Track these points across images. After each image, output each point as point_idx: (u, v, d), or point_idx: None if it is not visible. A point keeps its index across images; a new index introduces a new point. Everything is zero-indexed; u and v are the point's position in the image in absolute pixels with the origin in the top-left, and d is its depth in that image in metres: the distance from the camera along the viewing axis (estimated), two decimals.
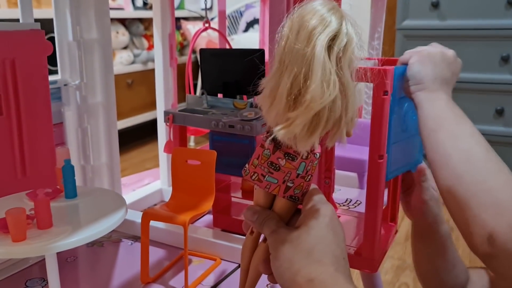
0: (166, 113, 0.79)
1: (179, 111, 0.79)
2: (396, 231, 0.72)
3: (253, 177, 0.43)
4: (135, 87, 2.79)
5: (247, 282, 0.47)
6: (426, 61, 0.55)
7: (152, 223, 0.69)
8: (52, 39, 0.65)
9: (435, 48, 0.56)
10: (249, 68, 0.77)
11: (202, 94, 0.80)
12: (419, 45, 0.60)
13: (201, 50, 0.81)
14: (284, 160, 0.41)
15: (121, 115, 2.76)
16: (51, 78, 0.70)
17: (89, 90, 0.73)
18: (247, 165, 0.44)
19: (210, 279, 0.65)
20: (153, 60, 2.98)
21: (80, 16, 0.70)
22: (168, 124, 0.78)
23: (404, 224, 1.93)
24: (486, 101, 2.10)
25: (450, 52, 0.56)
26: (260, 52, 0.74)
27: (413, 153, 0.64)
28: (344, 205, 0.89)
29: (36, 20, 0.63)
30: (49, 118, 0.62)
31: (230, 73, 0.79)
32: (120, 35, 2.81)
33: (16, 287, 0.62)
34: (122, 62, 2.76)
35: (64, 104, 0.72)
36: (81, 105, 0.72)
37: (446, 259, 0.61)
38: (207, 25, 0.87)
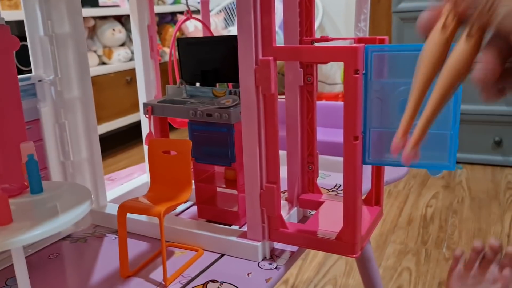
0: (145, 105, 0.78)
1: (158, 102, 0.78)
2: (382, 214, 0.71)
3: None
4: (135, 84, 2.79)
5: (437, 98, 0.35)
6: None
7: (135, 216, 0.69)
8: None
9: None
10: (227, 55, 0.76)
11: (181, 84, 0.79)
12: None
13: (178, 39, 0.80)
14: None
15: (122, 113, 2.76)
16: (25, 75, 0.69)
17: (64, 85, 0.72)
18: None
19: (192, 270, 0.64)
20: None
21: (51, 10, 0.69)
22: (147, 116, 0.77)
23: (407, 207, 1.92)
24: (485, 131, 2.20)
25: None
26: (236, 38, 0.73)
27: (430, 151, 0.54)
28: (333, 191, 0.88)
29: (16, 21, 0.63)
30: (20, 116, 0.61)
31: (208, 61, 0.78)
32: (117, 32, 2.80)
33: None
34: (120, 60, 2.75)
35: (40, 100, 0.71)
36: (57, 100, 0.72)
37: None
38: (188, 15, 0.86)
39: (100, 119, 2.64)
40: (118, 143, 2.80)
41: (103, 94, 2.64)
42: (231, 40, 0.72)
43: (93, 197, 0.78)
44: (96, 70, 2.64)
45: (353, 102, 0.54)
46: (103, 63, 2.82)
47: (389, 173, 0.91)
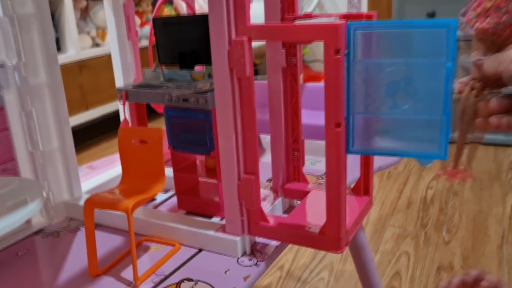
0: (119, 90, 0.73)
1: (133, 87, 0.73)
2: (371, 204, 0.66)
3: (490, 21, 0.41)
4: None
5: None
6: None
7: None
8: None
9: None
10: (206, 35, 0.70)
11: (157, 67, 0.74)
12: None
13: (154, 19, 0.74)
14: None
15: (116, 96, 2.71)
16: None
17: (29, 70, 0.67)
18: (470, 14, 0.40)
19: (166, 267, 0.60)
20: (147, 38, 2.90)
21: None
22: (121, 102, 0.72)
23: (406, 190, 1.87)
24: None
25: None
26: None
27: (419, 139, 0.51)
28: (323, 178, 0.83)
29: None
30: None
31: (186, 42, 0.73)
32: None
33: None
34: None
35: (3, 87, 0.66)
36: (22, 87, 0.67)
37: None
38: None
39: (94, 103, 2.59)
40: (112, 128, 2.75)
41: (96, 77, 2.59)
42: (207, 19, 0.67)
43: (67, 189, 0.74)
44: (89, 52, 2.58)
45: (334, 85, 0.49)
46: (97, 45, 2.75)
47: (384, 158, 0.87)
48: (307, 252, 1.52)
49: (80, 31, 2.62)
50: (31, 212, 0.41)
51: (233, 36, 0.54)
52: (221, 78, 0.55)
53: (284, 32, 0.52)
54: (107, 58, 2.85)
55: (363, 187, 0.65)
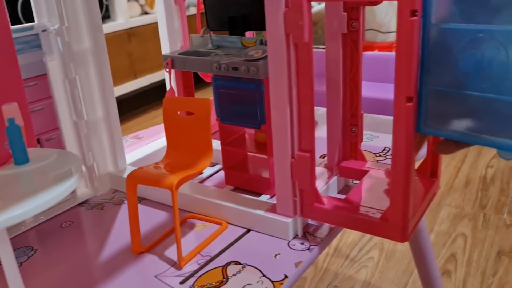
0: (165, 57, 0.68)
1: (179, 54, 0.68)
2: (438, 188, 0.60)
3: None
4: None
5: None
6: None
7: None
8: None
9: None
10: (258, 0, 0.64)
11: (205, 33, 0.69)
12: None
13: None
14: None
15: (158, 67, 2.69)
16: (26, 24, 0.61)
17: (72, 35, 0.63)
18: None
19: (212, 247, 0.56)
20: (195, 5, 2.85)
21: None
22: (167, 70, 0.68)
23: (464, 168, 1.76)
24: None
25: None
26: None
27: (505, 127, 0.42)
28: (380, 155, 0.77)
29: None
30: (16, 72, 0.53)
31: (236, 6, 0.67)
32: None
33: None
34: None
35: (45, 53, 0.63)
36: (65, 53, 0.63)
37: None
38: None
39: (142, 71, 2.59)
40: (160, 96, 2.76)
41: (146, 46, 2.58)
42: None
43: (111, 160, 0.71)
44: (138, 20, 2.56)
45: (407, 53, 0.42)
46: (146, 13, 2.73)
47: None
48: None
49: None
50: (71, 186, 0.37)
51: None
52: (276, 44, 0.49)
53: None
54: (156, 26, 2.84)
55: (431, 168, 0.58)
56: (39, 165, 0.42)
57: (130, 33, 2.48)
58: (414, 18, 0.41)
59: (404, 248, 1.36)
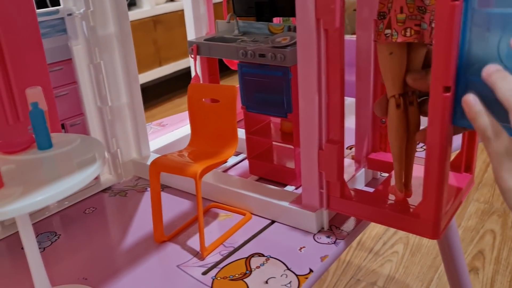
0: (190, 43, 0.67)
1: (204, 40, 0.67)
2: (473, 183, 0.57)
3: (407, 33, 0.43)
4: None
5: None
6: None
7: None
8: None
9: None
10: None
11: (231, 18, 0.67)
12: None
13: None
14: None
15: (183, 55, 2.68)
16: (52, 8, 0.60)
17: (98, 20, 0.63)
18: (388, 30, 0.43)
19: (236, 238, 0.55)
20: None
21: None
22: (192, 56, 0.67)
23: None
24: None
25: None
26: None
27: None
28: None
29: None
30: (41, 56, 0.53)
31: None
32: None
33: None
34: None
35: (71, 37, 0.62)
36: (90, 37, 0.63)
37: None
38: None
39: (168, 59, 2.59)
40: (185, 84, 2.75)
41: (171, 33, 2.57)
42: None
43: (135, 147, 0.70)
44: (164, 7, 2.56)
45: (446, 40, 0.40)
46: (172, 0, 2.73)
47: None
48: None
49: None
50: (94, 173, 0.37)
51: None
52: (306, 29, 0.47)
53: None
54: (181, 13, 2.82)
55: (465, 163, 0.56)
56: (62, 151, 0.41)
57: (156, 20, 2.47)
58: (456, 2, 0.39)
59: (430, 243, 1.33)
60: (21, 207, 0.32)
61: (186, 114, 0.97)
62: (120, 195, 0.67)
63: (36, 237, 0.57)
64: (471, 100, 0.38)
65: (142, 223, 0.59)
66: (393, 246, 1.34)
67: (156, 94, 2.73)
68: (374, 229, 1.42)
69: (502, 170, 0.36)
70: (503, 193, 0.37)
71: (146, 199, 0.65)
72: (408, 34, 0.43)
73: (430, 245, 1.32)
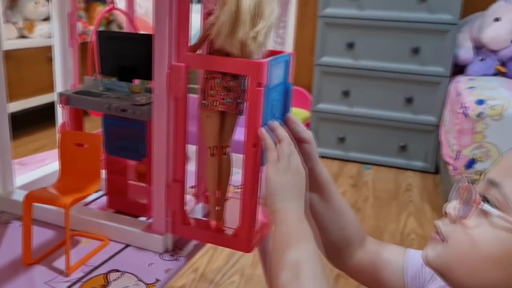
0: (61, 95, 0.78)
1: (73, 93, 0.79)
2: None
3: (215, 104, 0.62)
4: None
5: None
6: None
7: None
8: None
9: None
10: (145, 53, 0.78)
11: (98, 76, 0.80)
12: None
13: (99, 32, 0.81)
14: (232, 81, 0.61)
15: (41, 90, 2.64)
16: None
17: None
18: (204, 101, 0.62)
19: (95, 260, 0.67)
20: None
21: None
22: (61, 106, 0.78)
23: None
24: (397, 89, 2.26)
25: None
26: None
27: None
28: (240, 188, 0.93)
29: None
30: None
31: (127, 57, 0.80)
32: (40, 6, 2.67)
33: None
34: (42, 35, 2.63)
35: None
36: None
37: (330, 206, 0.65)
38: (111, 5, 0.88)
39: (17, 96, 2.52)
40: (35, 121, 2.69)
41: (21, 70, 2.52)
42: (151, 39, 0.75)
43: (0, 182, 0.78)
44: (14, 43, 2.51)
45: (254, 113, 0.60)
46: (23, 37, 2.68)
47: None
48: (221, 256, 1.62)
49: (5, 21, 2.54)
50: None
51: (174, 61, 0.63)
52: (160, 95, 0.64)
53: (218, 64, 0.61)
54: (34, 51, 2.77)
55: None
56: None
57: (5, 56, 2.41)
58: (260, 88, 0.59)
59: (261, 273, 1.54)
60: None
61: (43, 155, 1.05)
62: None
63: None
64: (262, 131, 0.60)
65: (8, 252, 0.67)
66: (231, 277, 1.53)
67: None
68: (215, 262, 1.59)
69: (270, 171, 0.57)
70: (266, 184, 0.58)
71: (10, 232, 0.73)
72: (215, 104, 0.62)
73: (260, 274, 1.53)
